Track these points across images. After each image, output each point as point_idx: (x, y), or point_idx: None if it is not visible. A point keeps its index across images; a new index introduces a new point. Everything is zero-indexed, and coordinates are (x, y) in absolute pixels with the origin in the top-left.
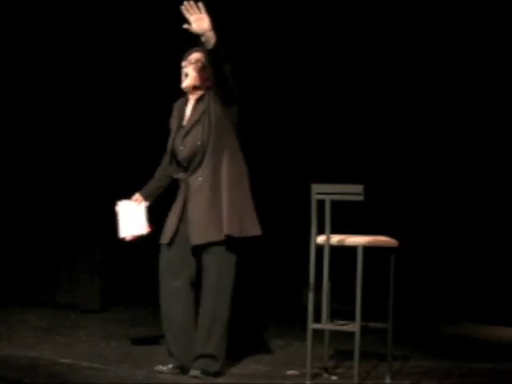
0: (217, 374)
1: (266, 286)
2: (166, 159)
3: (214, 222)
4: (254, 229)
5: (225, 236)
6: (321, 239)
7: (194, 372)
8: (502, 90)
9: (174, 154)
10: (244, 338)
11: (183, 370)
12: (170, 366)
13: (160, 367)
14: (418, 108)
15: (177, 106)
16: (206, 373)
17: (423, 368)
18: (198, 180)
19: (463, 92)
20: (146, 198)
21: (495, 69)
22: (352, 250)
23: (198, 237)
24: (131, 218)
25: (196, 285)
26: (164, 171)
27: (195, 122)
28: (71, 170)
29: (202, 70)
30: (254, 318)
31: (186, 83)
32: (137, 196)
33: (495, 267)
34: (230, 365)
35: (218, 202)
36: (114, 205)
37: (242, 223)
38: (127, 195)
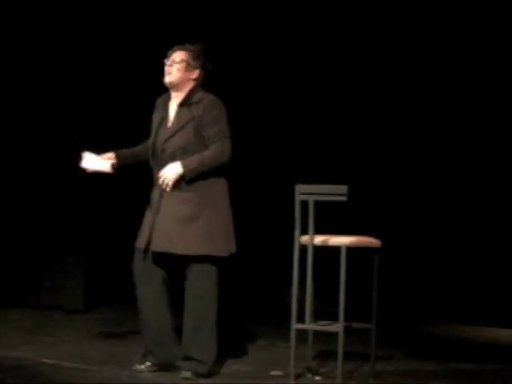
0: (209, 375)
1: (250, 286)
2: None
3: (183, 234)
4: (230, 247)
5: (202, 255)
6: (304, 239)
7: (186, 374)
8: (485, 90)
9: (153, 155)
10: (227, 338)
11: (161, 367)
12: (148, 363)
13: (138, 366)
14: (401, 109)
15: (160, 102)
16: (197, 374)
17: (406, 368)
18: (175, 188)
19: (447, 92)
20: (116, 156)
21: (480, 69)
22: (336, 250)
23: (159, 244)
24: (96, 162)
25: (169, 285)
26: (142, 151)
27: (181, 127)
28: (56, 171)
29: (186, 70)
30: (238, 318)
31: (170, 79)
32: (109, 155)
33: (478, 268)
34: (213, 365)
35: (194, 217)
36: (99, 206)
37: (218, 242)
38: (114, 197)
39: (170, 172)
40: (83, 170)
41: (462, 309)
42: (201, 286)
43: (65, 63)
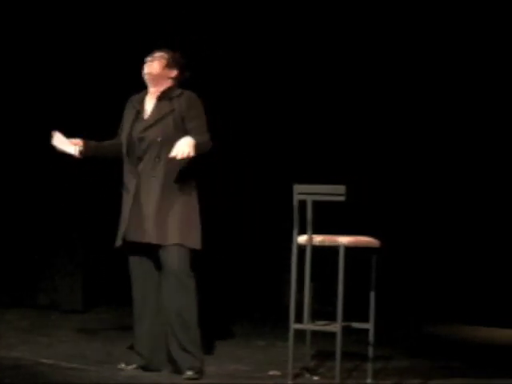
0: (202, 370)
1: (248, 285)
2: (118, 139)
3: (167, 226)
4: (198, 242)
5: (178, 244)
6: (303, 239)
7: (188, 374)
8: (485, 90)
9: (129, 145)
10: (225, 337)
11: (146, 369)
12: (134, 365)
13: (123, 366)
14: (399, 109)
15: (134, 99)
16: (197, 371)
17: (405, 368)
18: (152, 179)
19: (445, 92)
20: (84, 144)
21: (479, 69)
22: (334, 250)
23: (157, 237)
24: (64, 143)
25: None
26: (112, 145)
27: (160, 117)
28: (52, 170)
29: (165, 67)
30: (236, 318)
31: (150, 70)
32: (76, 141)
33: (477, 268)
34: (211, 365)
35: (173, 208)
36: (97, 206)
37: (191, 234)
38: (113, 197)
39: (185, 144)
40: (51, 148)
41: (461, 309)
42: (176, 278)
43: (58, 62)
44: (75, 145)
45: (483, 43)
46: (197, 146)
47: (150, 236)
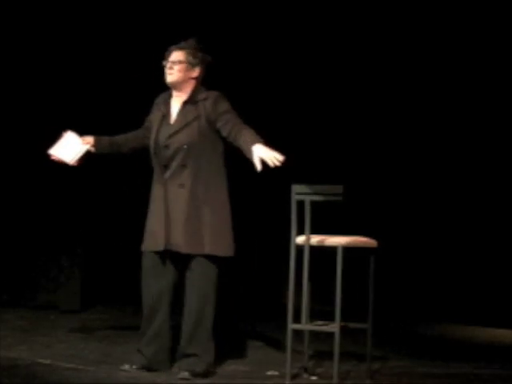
0: (206, 374)
1: (246, 286)
2: (140, 131)
3: (199, 234)
4: (230, 249)
5: (208, 255)
6: (301, 240)
7: (183, 374)
8: (483, 90)
9: (155, 152)
10: (224, 338)
11: (149, 369)
12: (135, 366)
13: (126, 366)
14: (397, 109)
15: (160, 100)
16: (194, 373)
17: (403, 368)
18: (180, 187)
19: (443, 92)
20: (95, 144)
21: (479, 69)
22: (332, 250)
23: (186, 246)
24: (69, 146)
25: (177, 287)
26: (127, 140)
27: (185, 124)
28: (52, 171)
29: (186, 70)
30: (234, 319)
31: (172, 79)
32: (89, 139)
33: (474, 268)
34: (211, 365)
35: (202, 216)
36: (96, 206)
37: (225, 243)
38: (111, 197)
39: (268, 151)
40: (47, 155)
41: (459, 309)
42: (202, 286)
43: (62, 60)
44: (87, 143)
45: (483, 43)
46: (264, 143)
47: (179, 246)
